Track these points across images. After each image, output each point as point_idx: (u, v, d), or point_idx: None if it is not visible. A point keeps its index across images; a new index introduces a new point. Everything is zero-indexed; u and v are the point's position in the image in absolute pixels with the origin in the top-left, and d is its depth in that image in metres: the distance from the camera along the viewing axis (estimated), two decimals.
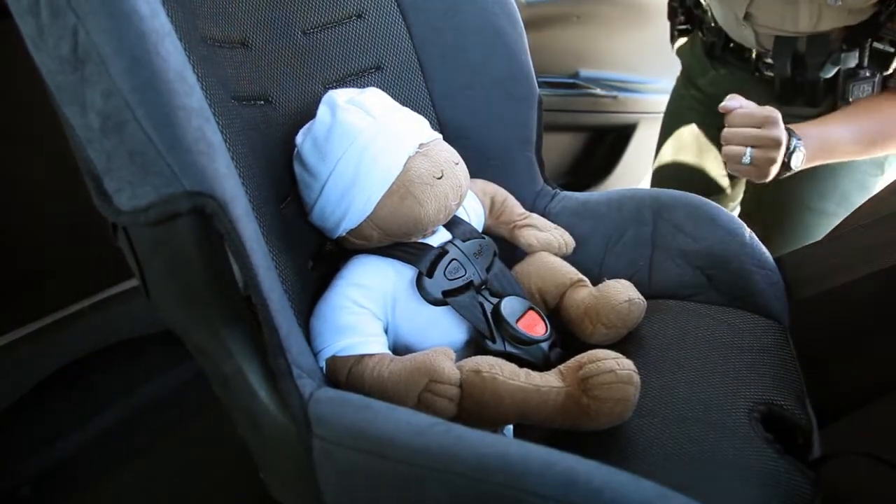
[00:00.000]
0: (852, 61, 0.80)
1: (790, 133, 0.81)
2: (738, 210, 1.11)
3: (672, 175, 1.12)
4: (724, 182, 1.09)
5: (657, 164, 1.17)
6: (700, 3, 0.95)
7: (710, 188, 1.08)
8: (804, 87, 0.86)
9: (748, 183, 1.06)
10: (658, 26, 1.09)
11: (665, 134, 1.14)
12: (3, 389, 0.91)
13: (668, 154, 1.13)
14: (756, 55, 0.88)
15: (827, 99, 0.86)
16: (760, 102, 0.93)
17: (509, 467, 0.34)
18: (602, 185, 1.67)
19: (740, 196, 1.11)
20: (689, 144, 1.09)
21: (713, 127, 1.04)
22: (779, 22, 0.80)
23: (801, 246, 0.86)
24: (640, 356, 0.55)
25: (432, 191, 0.52)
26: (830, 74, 0.82)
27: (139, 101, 0.33)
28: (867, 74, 0.82)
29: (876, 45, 0.79)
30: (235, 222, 0.37)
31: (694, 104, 1.05)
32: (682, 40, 1.05)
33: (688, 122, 1.08)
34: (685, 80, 1.08)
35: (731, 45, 0.91)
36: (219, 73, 0.49)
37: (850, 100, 0.83)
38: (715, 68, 0.97)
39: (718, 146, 1.05)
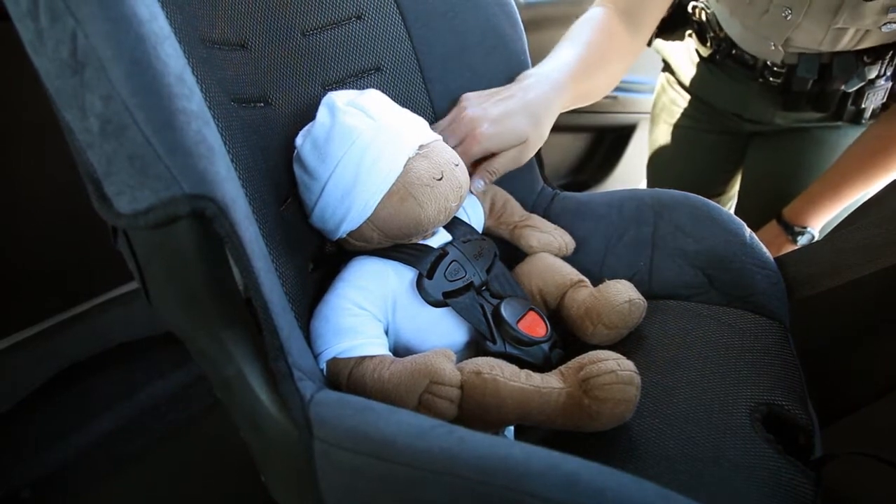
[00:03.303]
0: (873, 72, 0.80)
1: (788, 230, 0.87)
2: (733, 207, 1.11)
3: (666, 178, 1.11)
4: (719, 181, 1.08)
5: (650, 165, 1.17)
6: (696, 13, 0.93)
7: (704, 188, 1.08)
8: (819, 95, 0.86)
9: (741, 185, 1.05)
10: None
11: (655, 134, 1.13)
12: (4, 392, 0.91)
13: (660, 156, 1.12)
14: (764, 63, 0.87)
15: (836, 103, 0.85)
16: (764, 108, 0.93)
17: (511, 469, 0.34)
18: (602, 186, 1.68)
19: (735, 194, 1.10)
20: (679, 145, 1.08)
21: (702, 125, 1.03)
22: (817, 43, 0.78)
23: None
24: (641, 357, 0.55)
25: (432, 192, 0.52)
26: (854, 88, 0.81)
27: (139, 104, 0.33)
28: (882, 82, 0.82)
29: None
30: (235, 225, 0.37)
31: (683, 105, 1.04)
32: (668, 44, 1.03)
33: (676, 121, 1.07)
34: (671, 80, 1.06)
35: (734, 51, 0.89)
36: (218, 75, 0.49)
37: (864, 105, 0.83)
38: (711, 72, 0.96)
39: (709, 144, 1.05)
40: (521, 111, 0.62)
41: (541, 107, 0.63)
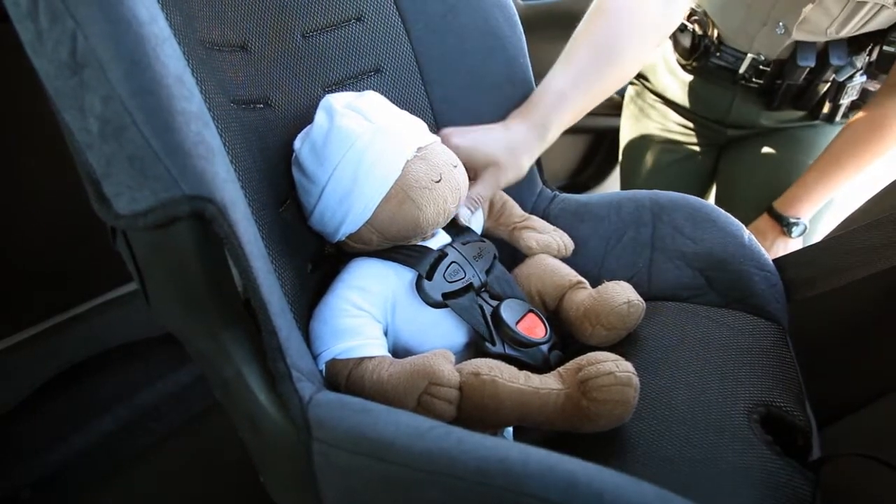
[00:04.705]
0: (859, 63, 0.83)
1: (783, 222, 0.87)
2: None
3: (641, 185, 1.11)
4: (695, 186, 1.09)
5: (625, 175, 1.16)
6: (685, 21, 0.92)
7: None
8: (802, 92, 0.87)
9: (719, 185, 1.06)
10: None
11: (628, 145, 1.13)
12: (4, 392, 0.91)
13: (634, 171, 1.12)
14: (749, 63, 0.88)
15: (814, 101, 0.88)
16: (747, 111, 0.93)
17: (510, 471, 0.34)
18: (601, 187, 1.68)
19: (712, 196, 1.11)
20: (656, 160, 1.08)
21: (685, 138, 1.04)
22: (828, 22, 0.79)
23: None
24: (640, 358, 0.55)
25: (431, 194, 0.52)
26: (846, 76, 0.84)
27: (138, 105, 0.33)
28: (858, 78, 0.85)
29: (886, 48, 0.80)
30: (235, 226, 0.38)
31: (659, 118, 1.05)
32: None
33: (654, 135, 1.07)
34: (646, 95, 1.06)
35: (718, 53, 0.90)
36: (218, 76, 0.49)
37: (840, 102, 0.86)
38: (690, 79, 0.96)
39: (686, 160, 1.05)
40: (495, 137, 0.64)
41: (518, 142, 0.64)
